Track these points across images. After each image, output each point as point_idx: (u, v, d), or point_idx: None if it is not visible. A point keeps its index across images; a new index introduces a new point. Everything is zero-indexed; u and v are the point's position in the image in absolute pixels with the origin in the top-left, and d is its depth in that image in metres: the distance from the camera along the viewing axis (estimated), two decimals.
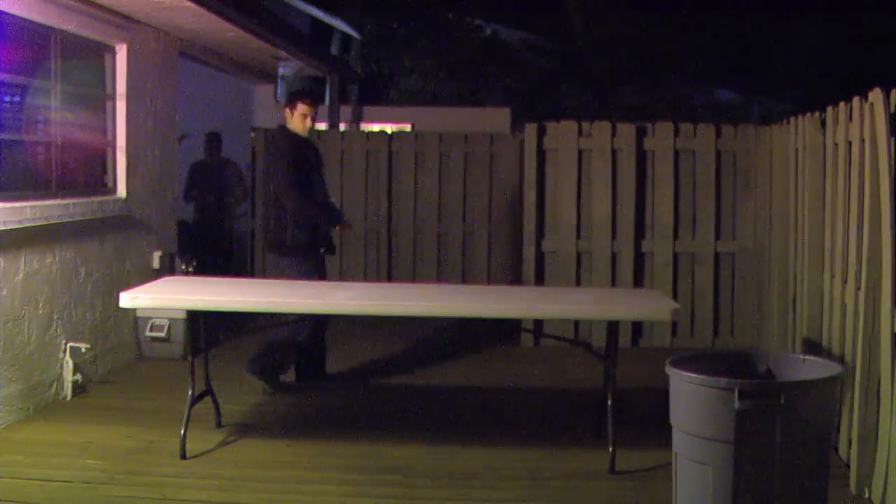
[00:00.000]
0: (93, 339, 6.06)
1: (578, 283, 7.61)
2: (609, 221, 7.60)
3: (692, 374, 3.48)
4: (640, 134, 7.64)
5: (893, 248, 3.97)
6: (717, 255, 7.62)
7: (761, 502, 3.35)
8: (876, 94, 4.17)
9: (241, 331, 7.53)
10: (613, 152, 7.62)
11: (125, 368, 6.58)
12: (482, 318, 4.95)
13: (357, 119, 12.13)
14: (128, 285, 5.63)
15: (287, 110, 6.03)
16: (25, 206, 5.31)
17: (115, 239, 6.46)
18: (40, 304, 5.47)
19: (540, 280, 7.64)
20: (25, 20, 5.35)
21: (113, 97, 6.55)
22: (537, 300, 5.15)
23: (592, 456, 4.70)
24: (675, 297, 7.22)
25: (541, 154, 7.70)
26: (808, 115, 5.54)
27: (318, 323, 5.94)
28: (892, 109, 4.05)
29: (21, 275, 5.26)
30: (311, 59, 10.31)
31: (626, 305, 4.93)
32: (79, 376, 5.79)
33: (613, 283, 7.56)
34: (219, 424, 5.15)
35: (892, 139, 4.04)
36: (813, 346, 5.14)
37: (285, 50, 9.11)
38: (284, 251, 5.93)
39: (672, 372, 3.56)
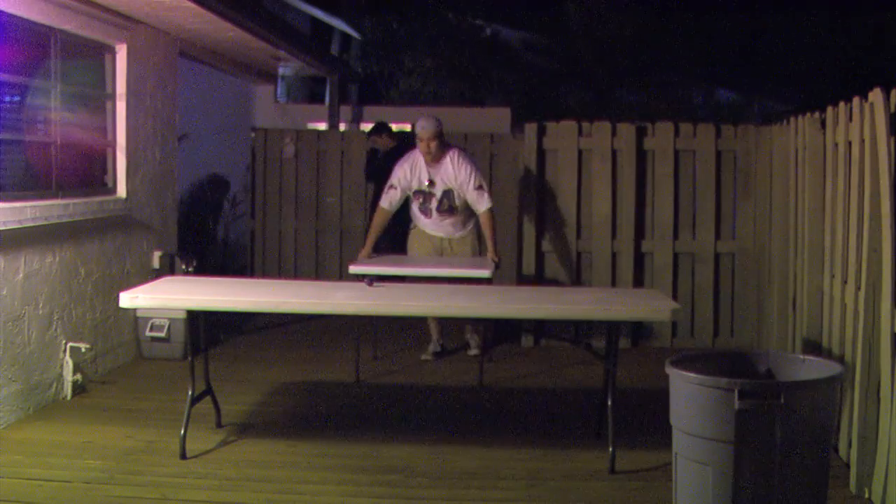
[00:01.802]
0: (93, 339, 6.06)
1: (578, 282, 7.61)
2: (609, 221, 7.60)
3: (692, 374, 3.48)
4: (640, 134, 7.64)
5: (893, 248, 3.97)
6: (717, 255, 7.61)
7: (761, 502, 3.35)
8: (876, 94, 4.17)
9: (241, 331, 7.53)
10: (613, 152, 7.61)
11: (125, 368, 6.58)
12: (482, 318, 4.94)
13: (357, 119, 12.12)
14: (128, 285, 5.62)
15: None
16: (25, 206, 5.31)
17: (115, 239, 6.46)
18: (40, 304, 5.47)
19: (540, 280, 7.63)
20: (25, 20, 5.35)
21: (113, 97, 6.55)
22: (537, 300, 5.15)
23: (592, 456, 4.70)
24: (675, 297, 7.22)
25: (541, 154, 7.70)
26: (808, 115, 5.54)
27: None
28: (892, 109, 4.05)
29: (21, 275, 5.26)
30: (311, 59, 10.31)
31: (626, 305, 4.93)
32: (79, 376, 5.79)
33: (613, 283, 7.56)
34: (219, 424, 5.15)
35: (892, 139, 4.04)
36: (813, 346, 5.14)
37: (285, 50, 9.11)
38: None
39: (672, 372, 3.56)
